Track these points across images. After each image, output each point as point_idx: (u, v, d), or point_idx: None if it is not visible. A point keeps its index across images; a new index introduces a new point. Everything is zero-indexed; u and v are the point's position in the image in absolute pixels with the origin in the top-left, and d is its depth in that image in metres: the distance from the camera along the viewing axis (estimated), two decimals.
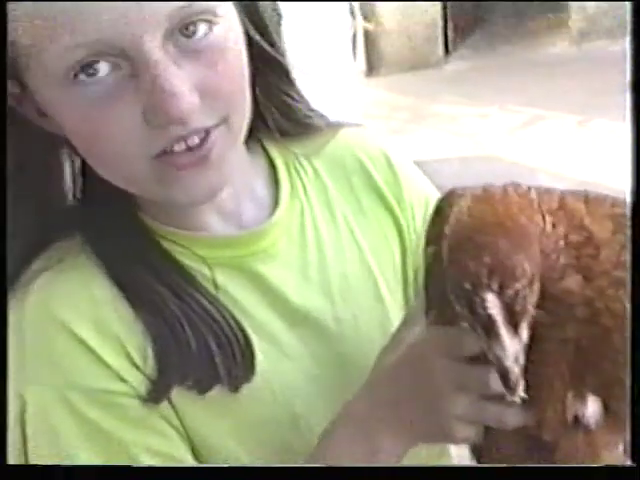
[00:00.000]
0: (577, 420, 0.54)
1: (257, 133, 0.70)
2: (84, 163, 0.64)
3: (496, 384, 0.51)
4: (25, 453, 0.60)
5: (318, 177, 0.74)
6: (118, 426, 0.60)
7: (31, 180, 0.62)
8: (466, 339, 0.53)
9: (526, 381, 0.50)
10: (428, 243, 0.58)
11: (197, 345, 0.61)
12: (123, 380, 0.60)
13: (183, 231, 0.65)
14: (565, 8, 6.11)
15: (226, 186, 0.63)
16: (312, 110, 0.73)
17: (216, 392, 0.62)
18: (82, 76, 0.54)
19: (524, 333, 0.46)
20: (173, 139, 0.56)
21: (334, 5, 4.23)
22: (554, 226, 0.48)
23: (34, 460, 0.60)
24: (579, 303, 0.50)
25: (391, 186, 0.76)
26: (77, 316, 0.60)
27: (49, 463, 0.60)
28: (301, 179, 0.73)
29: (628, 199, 0.53)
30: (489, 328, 0.45)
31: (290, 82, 0.70)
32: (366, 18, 6.08)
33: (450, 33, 6.46)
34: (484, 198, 0.50)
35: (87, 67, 0.54)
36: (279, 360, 0.66)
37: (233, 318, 0.63)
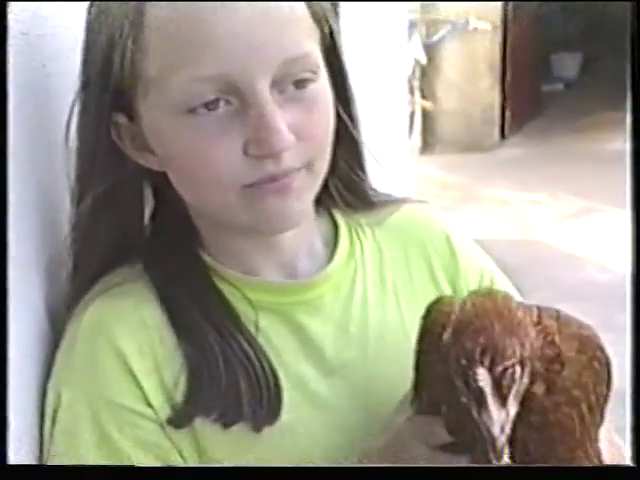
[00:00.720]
0: None
1: (324, 202, 0.74)
2: (156, 196, 0.70)
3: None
4: (52, 441, 0.64)
5: (377, 243, 0.78)
6: (130, 445, 0.63)
7: (111, 209, 0.67)
8: (437, 430, 0.59)
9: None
10: (428, 332, 0.62)
11: (227, 382, 0.64)
12: (149, 404, 0.64)
13: (237, 273, 0.69)
14: (624, 107, 6.15)
15: (302, 221, 0.67)
16: (373, 189, 0.78)
17: (240, 429, 0.64)
18: (201, 110, 0.59)
19: (511, 406, 0.51)
20: (266, 173, 0.61)
21: (395, 82, 4.37)
22: (535, 336, 0.54)
23: (52, 455, 0.64)
24: (535, 411, 0.55)
25: (448, 269, 0.79)
26: (124, 335, 0.65)
27: (63, 462, 0.64)
28: (360, 241, 0.77)
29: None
30: (479, 399, 0.50)
31: (359, 159, 0.74)
32: (424, 96, 6.23)
33: (507, 119, 6.54)
34: (487, 294, 0.56)
35: (209, 102, 0.59)
36: (306, 408, 0.68)
37: (268, 362, 0.66)
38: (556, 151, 6.05)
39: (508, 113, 6.53)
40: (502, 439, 0.50)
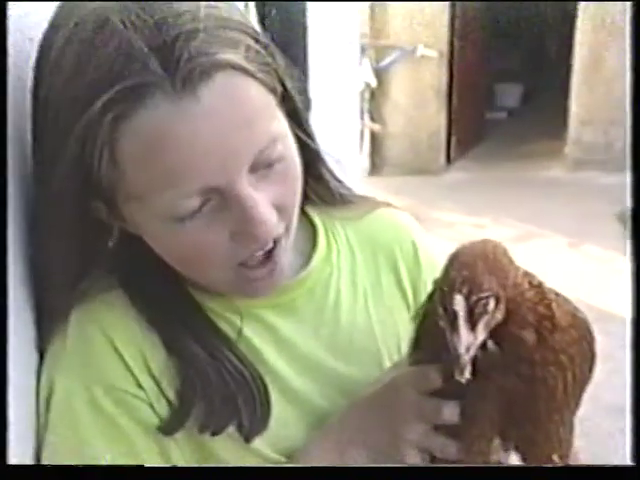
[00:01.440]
0: None
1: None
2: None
3: (447, 414, 0.64)
4: (47, 426, 0.66)
5: (350, 247, 0.81)
6: (129, 424, 0.66)
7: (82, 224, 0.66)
8: (431, 375, 0.65)
9: (462, 413, 0.64)
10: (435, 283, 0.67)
11: (222, 394, 0.67)
12: (141, 387, 0.67)
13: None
14: (562, 136, 6.40)
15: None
16: (347, 188, 0.81)
17: (227, 436, 0.67)
18: (187, 216, 0.61)
19: (480, 333, 0.58)
20: (254, 251, 0.65)
21: (346, 102, 4.45)
22: (529, 290, 0.61)
23: (52, 439, 0.66)
24: (526, 360, 0.61)
25: (412, 274, 0.83)
26: (113, 325, 0.68)
27: (62, 446, 0.65)
28: (337, 244, 0.80)
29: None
30: (453, 322, 0.58)
31: (322, 161, 0.77)
32: (373, 119, 6.34)
33: (453, 144, 6.72)
34: (482, 241, 0.63)
35: (195, 211, 0.61)
36: (281, 403, 0.71)
37: (260, 376, 0.70)
38: (499, 176, 6.24)
39: (454, 138, 6.70)
40: (466, 358, 0.57)
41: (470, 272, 0.58)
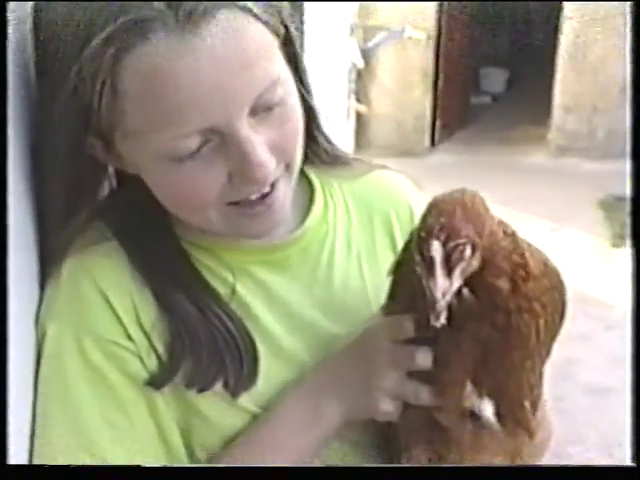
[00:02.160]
0: (473, 415, 0.66)
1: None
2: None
3: (420, 360, 0.65)
4: (38, 375, 0.66)
5: (347, 208, 0.81)
6: (117, 377, 0.67)
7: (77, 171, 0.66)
8: (405, 323, 0.66)
9: (435, 360, 0.65)
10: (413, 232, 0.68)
11: (209, 352, 0.68)
12: (130, 339, 0.67)
13: (208, 236, 0.71)
14: (546, 123, 6.43)
15: (281, 223, 0.70)
16: (333, 144, 0.80)
17: (214, 392, 0.68)
18: (186, 157, 0.61)
19: (455, 279, 0.58)
20: (251, 192, 0.65)
21: (335, 84, 4.42)
22: (503, 239, 0.62)
23: (42, 386, 0.66)
24: (501, 309, 0.62)
25: (407, 238, 0.82)
26: (105, 276, 0.68)
27: (49, 390, 0.65)
28: (334, 203, 0.80)
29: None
30: (430, 267, 0.58)
31: (318, 120, 0.76)
32: (359, 100, 6.33)
33: (437, 127, 6.73)
34: (460, 190, 0.63)
35: (193, 152, 0.61)
36: (270, 360, 0.72)
37: (245, 330, 0.70)
38: (482, 160, 6.27)
39: (438, 122, 6.71)
40: (442, 303, 0.57)
41: (448, 219, 0.58)
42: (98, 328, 0.67)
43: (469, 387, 0.65)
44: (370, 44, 6.20)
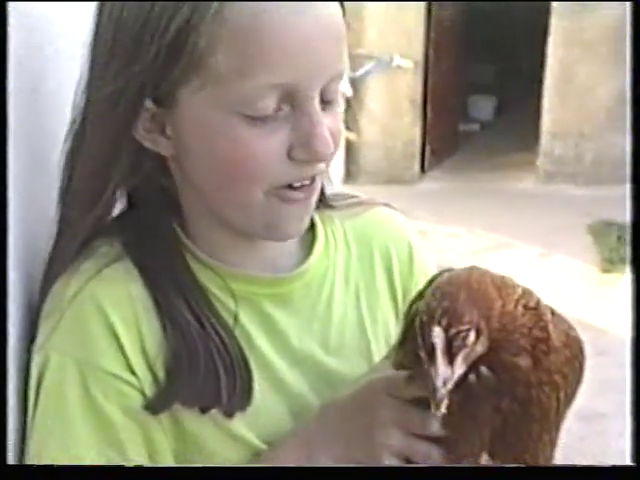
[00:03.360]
0: None
1: None
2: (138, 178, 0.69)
3: (433, 427, 0.63)
4: (35, 409, 0.65)
5: (347, 243, 0.81)
6: (115, 411, 0.65)
7: (101, 183, 0.67)
8: (410, 383, 0.64)
9: (451, 430, 0.62)
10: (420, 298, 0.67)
11: (205, 369, 0.67)
12: (133, 373, 0.66)
13: (218, 262, 0.71)
14: (534, 149, 6.49)
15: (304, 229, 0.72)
16: (346, 193, 0.83)
17: (214, 414, 0.68)
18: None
19: (458, 367, 0.56)
20: (303, 176, 0.65)
21: None
22: (523, 315, 0.60)
23: (39, 415, 0.65)
24: (521, 383, 0.61)
25: (404, 277, 0.83)
26: (112, 304, 0.67)
27: (48, 422, 0.65)
28: (335, 240, 0.80)
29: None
30: (431, 354, 0.56)
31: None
32: (348, 128, 6.37)
33: (427, 154, 6.77)
34: (469, 268, 0.62)
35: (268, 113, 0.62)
36: (272, 394, 0.72)
37: (241, 351, 0.69)
38: (472, 187, 6.30)
39: (428, 148, 6.75)
40: (442, 392, 0.56)
41: (451, 303, 0.56)
42: (101, 362, 0.66)
43: (485, 457, 0.64)
44: (358, 73, 6.26)
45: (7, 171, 0.62)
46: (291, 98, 0.62)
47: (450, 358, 0.56)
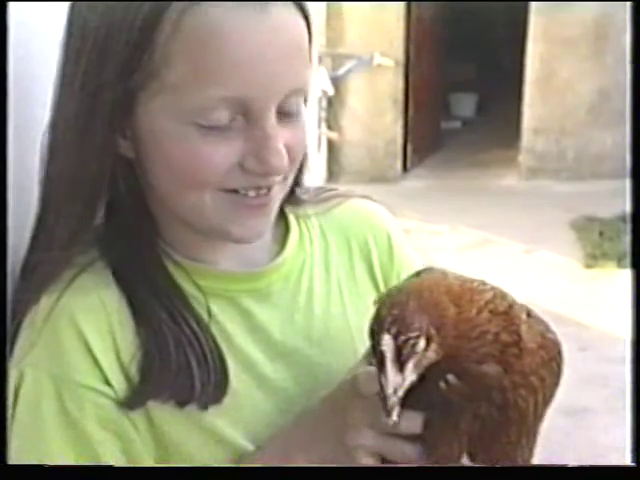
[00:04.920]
0: None
1: None
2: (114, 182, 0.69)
3: (404, 425, 0.62)
4: (13, 420, 0.65)
5: (323, 233, 0.81)
6: (91, 424, 0.65)
7: (79, 189, 0.67)
8: (371, 380, 0.62)
9: (430, 433, 0.62)
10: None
11: (177, 362, 0.67)
12: (108, 383, 0.66)
13: (189, 260, 0.72)
14: (515, 145, 6.52)
15: (267, 232, 0.71)
16: (321, 187, 0.82)
17: (191, 407, 0.67)
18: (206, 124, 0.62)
19: (409, 374, 0.57)
20: (251, 184, 0.65)
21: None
22: (489, 321, 0.59)
23: (17, 431, 0.65)
24: (496, 388, 0.60)
25: (384, 266, 0.82)
26: (85, 316, 0.67)
27: (25, 437, 0.65)
28: (309, 232, 0.80)
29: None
30: (381, 362, 0.57)
31: (305, 161, 0.76)
32: (330, 127, 6.37)
33: (409, 152, 6.79)
34: (421, 276, 0.62)
35: (220, 122, 0.62)
36: (254, 390, 0.72)
37: (215, 343, 0.69)
38: (455, 184, 6.33)
39: (410, 147, 6.77)
40: (393, 399, 0.56)
41: (400, 311, 0.57)
42: (76, 375, 0.66)
43: (464, 459, 0.63)
44: (339, 72, 6.26)
45: (6, 172, 0.62)
46: (245, 110, 0.63)
47: (400, 365, 0.56)
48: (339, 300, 0.79)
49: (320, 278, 0.79)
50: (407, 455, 0.63)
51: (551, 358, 0.63)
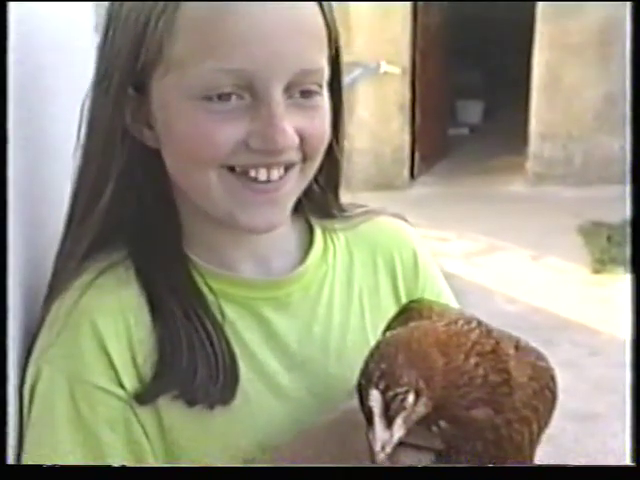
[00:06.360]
0: None
1: (301, 208, 0.78)
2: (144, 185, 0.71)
3: (407, 464, 0.62)
4: (29, 417, 0.67)
5: (348, 248, 0.81)
6: (99, 423, 0.66)
7: (110, 191, 0.69)
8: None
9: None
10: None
11: (188, 362, 0.67)
12: (121, 385, 0.67)
13: (211, 266, 0.73)
14: (523, 152, 6.52)
15: (280, 225, 0.71)
16: (351, 204, 0.83)
17: (201, 410, 0.68)
18: (215, 99, 0.63)
19: (397, 429, 0.56)
20: (263, 159, 0.65)
21: None
22: (476, 365, 0.59)
23: (31, 426, 0.67)
24: (488, 428, 0.61)
25: (409, 283, 0.83)
26: (103, 317, 0.68)
27: (38, 432, 0.66)
28: (334, 245, 0.80)
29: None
30: (369, 417, 0.56)
31: (338, 175, 0.79)
32: None
33: (416, 159, 6.78)
34: (414, 329, 0.61)
35: (223, 94, 0.63)
36: (268, 398, 0.72)
37: (228, 346, 0.70)
38: (462, 191, 6.32)
39: (417, 154, 6.76)
40: (381, 456, 0.55)
41: (388, 365, 0.56)
42: (89, 375, 0.67)
43: None
44: (346, 80, 6.26)
45: (6, 172, 0.63)
46: (251, 87, 0.64)
47: (389, 421, 0.55)
48: (359, 313, 0.79)
49: (341, 291, 0.79)
50: None
51: (543, 387, 0.63)
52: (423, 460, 0.63)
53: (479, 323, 0.62)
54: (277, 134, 0.64)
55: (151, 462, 0.68)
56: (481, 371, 0.59)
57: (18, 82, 0.67)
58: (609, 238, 4.79)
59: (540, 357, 0.64)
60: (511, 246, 4.87)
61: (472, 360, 0.59)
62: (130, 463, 0.67)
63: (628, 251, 4.41)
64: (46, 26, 0.80)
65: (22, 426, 0.67)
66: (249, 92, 0.64)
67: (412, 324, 0.63)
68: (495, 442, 0.61)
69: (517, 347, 0.63)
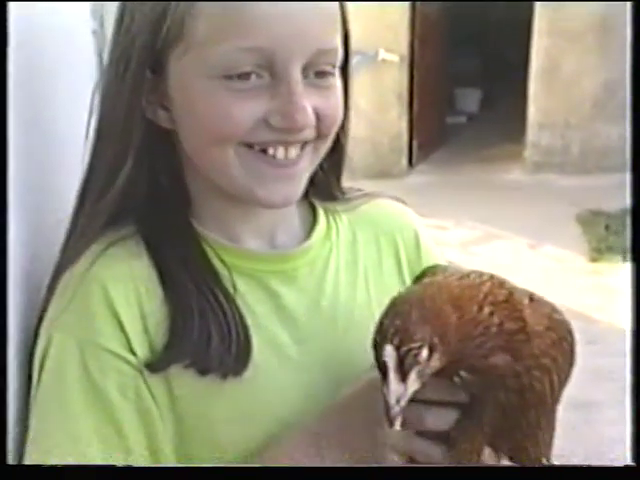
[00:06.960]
0: None
1: (305, 191, 0.77)
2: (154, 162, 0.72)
3: (430, 422, 0.63)
4: (39, 384, 0.67)
5: (351, 227, 0.83)
6: (110, 388, 0.67)
7: (125, 169, 0.70)
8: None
9: (454, 429, 0.63)
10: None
11: (199, 330, 0.68)
12: (132, 351, 0.68)
13: (220, 238, 0.74)
14: (521, 140, 6.51)
15: (296, 200, 0.73)
16: (352, 188, 0.84)
17: (212, 379, 0.68)
18: (235, 78, 0.64)
19: (411, 384, 0.57)
20: (282, 136, 0.67)
21: None
22: (491, 314, 0.60)
23: (41, 395, 0.67)
24: (510, 375, 0.61)
25: (411, 263, 0.84)
26: (114, 284, 0.69)
27: (49, 399, 0.66)
28: (336, 224, 0.82)
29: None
30: (384, 372, 0.57)
31: (341, 159, 0.80)
32: None
33: (414, 148, 6.78)
34: (427, 285, 0.63)
35: (243, 74, 0.64)
36: (278, 370, 0.73)
37: (240, 316, 0.71)
38: (460, 179, 6.32)
39: (415, 142, 6.76)
40: (396, 409, 0.57)
41: (402, 321, 0.57)
42: (101, 339, 0.67)
43: (487, 451, 0.64)
44: None
45: (7, 172, 0.63)
46: (270, 66, 0.65)
47: (403, 375, 0.57)
48: (365, 290, 0.81)
49: (346, 268, 0.80)
50: (431, 454, 0.65)
51: (561, 338, 0.64)
52: (448, 418, 0.64)
53: (491, 276, 0.63)
54: (297, 112, 0.65)
55: (160, 431, 0.68)
56: (496, 319, 0.60)
57: (18, 68, 0.67)
58: (607, 227, 4.80)
59: (555, 310, 0.65)
60: (509, 234, 4.88)
61: (486, 310, 0.60)
62: (139, 431, 0.67)
63: (626, 240, 4.43)
64: (47, 10, 0.79)
65: (22, 426, 0.67)
66: (269, 71, 0.65)
67: (426, 280, 0.64)
68: (517, 391, 0.61)
69: (532, 298, 0.64)
